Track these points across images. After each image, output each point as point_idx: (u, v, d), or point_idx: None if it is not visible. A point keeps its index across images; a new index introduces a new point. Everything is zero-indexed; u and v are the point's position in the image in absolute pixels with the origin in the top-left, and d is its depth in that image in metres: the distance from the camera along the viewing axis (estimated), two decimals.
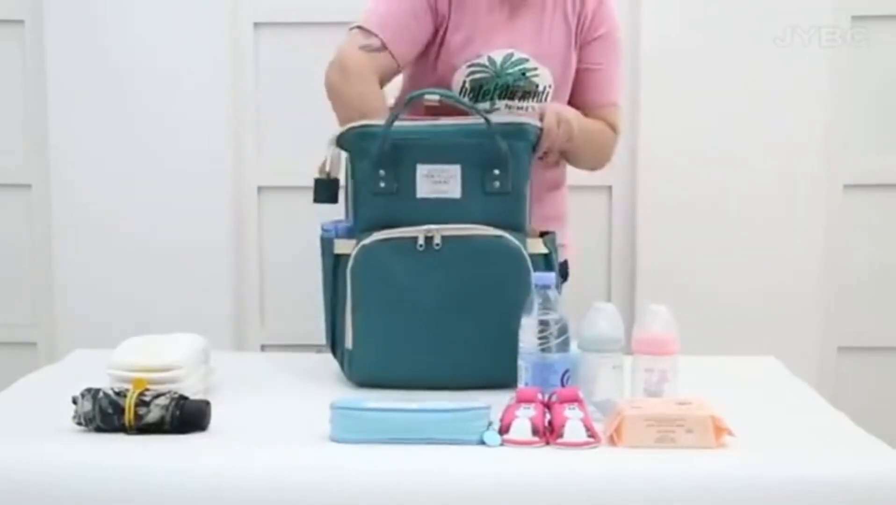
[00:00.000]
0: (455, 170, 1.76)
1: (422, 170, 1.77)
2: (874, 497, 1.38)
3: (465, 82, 2.01)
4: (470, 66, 2.00)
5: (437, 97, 1.83)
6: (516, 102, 2.02)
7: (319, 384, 1.83)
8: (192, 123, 2.70)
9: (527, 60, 2.01)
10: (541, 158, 1.91)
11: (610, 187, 2.73)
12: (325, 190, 1.85)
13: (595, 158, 2.11)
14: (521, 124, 1.81)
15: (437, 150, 1.77)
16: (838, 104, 2.67)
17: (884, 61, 2.70)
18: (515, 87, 2.01)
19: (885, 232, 2.74)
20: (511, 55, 2.00)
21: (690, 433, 1.46)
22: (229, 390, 1.79)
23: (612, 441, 1.48)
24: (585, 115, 2.02)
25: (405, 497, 1.40)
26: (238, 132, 2.74)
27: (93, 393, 1.53)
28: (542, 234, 1.82)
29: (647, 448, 1.45)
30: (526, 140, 1.79)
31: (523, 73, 2.01)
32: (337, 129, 1.83)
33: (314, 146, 1.91)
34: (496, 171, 1.76)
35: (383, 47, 1.94)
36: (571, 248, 2.14)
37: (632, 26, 2.62)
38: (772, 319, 2.66)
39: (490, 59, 2.00)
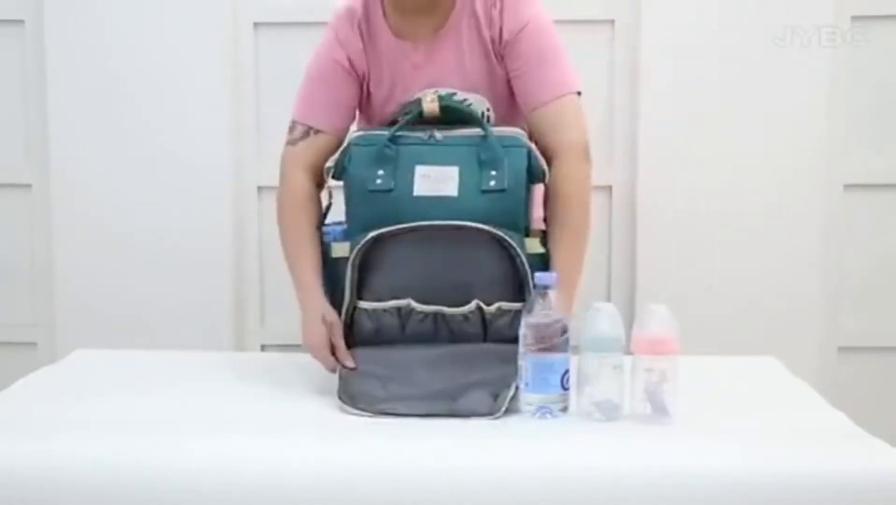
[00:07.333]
0: (453, 171, 1.77)
1: (420, 170, 1.77)
2: (874, 497, 1.38)
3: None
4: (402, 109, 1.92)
5: (437, 106, 1.83)
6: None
7: (319, 384, 1.83)
8: (192, 123, 2.70)
9: (454, 94, 1.93)
10: None
11: (610, 187, 2.72)
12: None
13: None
14: (515, 137, 1.81)
15: (435, 154, 1.78)
16: (838, 104, 2.67)
17: (884, 61, 2.70)
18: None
19: (885, 232, 2.74)
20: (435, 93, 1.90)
21: None
22: (229, 390, 1.79)
23: None
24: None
25: (406, 494, 1.40)
26: (238, 132, 2.74)
27: None
28: (541, 234, 1.82)
29: None
30: (522, 146, 1.79)
31: None
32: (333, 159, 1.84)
33: None
34: (493, 172, 1.76)
35: (311, 132, 1.94)
36: None
37: (632, 26, 2.63)
38: (772, 318, 2.66)
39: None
